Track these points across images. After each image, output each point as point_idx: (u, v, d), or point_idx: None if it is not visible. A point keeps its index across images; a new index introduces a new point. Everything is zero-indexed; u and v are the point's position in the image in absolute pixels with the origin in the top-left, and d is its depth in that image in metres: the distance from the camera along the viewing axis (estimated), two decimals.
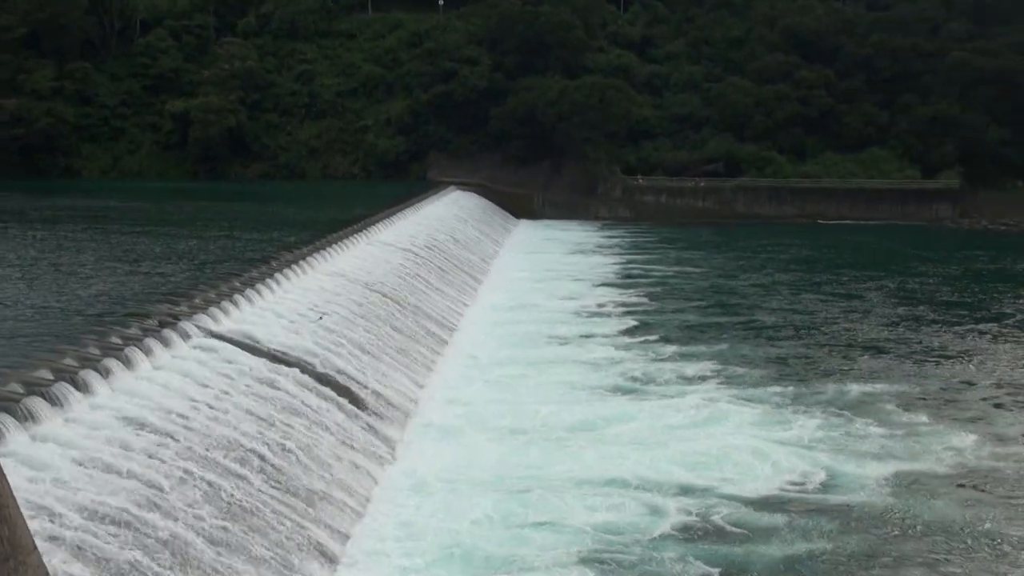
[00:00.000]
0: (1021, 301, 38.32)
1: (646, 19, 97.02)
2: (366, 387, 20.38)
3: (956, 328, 31.52)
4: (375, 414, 19.62)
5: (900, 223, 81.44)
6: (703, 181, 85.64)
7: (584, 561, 13.47)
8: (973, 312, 35.49)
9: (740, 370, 24.61)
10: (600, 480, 16.40)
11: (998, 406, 21.76)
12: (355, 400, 19.45)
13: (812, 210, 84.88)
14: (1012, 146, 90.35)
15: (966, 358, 26.85)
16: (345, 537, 14.42)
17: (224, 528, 12.49)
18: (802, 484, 16.38)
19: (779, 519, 14.82)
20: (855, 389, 22.79)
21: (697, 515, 15.04)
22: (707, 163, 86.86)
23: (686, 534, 14.42)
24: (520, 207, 75.83)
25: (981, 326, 31.95)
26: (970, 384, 24.00)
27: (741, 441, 18.28)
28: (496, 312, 33.88)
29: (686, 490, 15.94)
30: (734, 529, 14.58)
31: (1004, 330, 31.36)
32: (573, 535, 14.34)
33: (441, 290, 34.66)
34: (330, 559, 13.71)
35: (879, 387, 23.13)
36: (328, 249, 29.96)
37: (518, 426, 19.62)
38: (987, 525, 14.60)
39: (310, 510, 14.32)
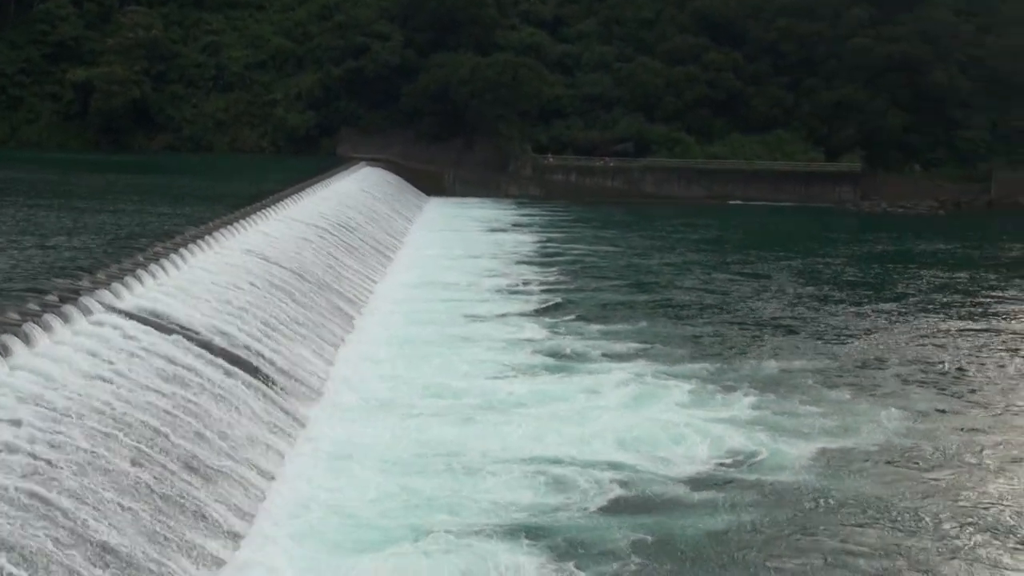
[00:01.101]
0: (920, 281, 39.42)
1: None
2: (274, 364, 20.03)
3: (863, 307, 32.27)
4: (283, 391, 19.30)
5: (804, 204, 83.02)
6: (612, 161, 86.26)
7: (501, 535, 13.35)
8: (877, 291, 36.37)
9: (662, 348, 24.81)
10: (521, 458, 16.28)
11: (910, 382, 22.28)
12: (262, 377, 19.09)
13: (720, 191, 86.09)
14: (912, 131, 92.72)
15: (875, 335, 27.48)
16: (250, 516, 14.15)
17: (124, 507, 12.13)
18: (731, 460, 16.54)
19: (709, 495, 14.96)
20: (774, 366, 23.16)
21: (625, 491, 15.03)
22: (617, 143, 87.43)
23: (614, 509, 14.39)
24: (431, 184, 75.43)
25: (885, 305, 32.76)
26: (882, 360, 24.55)
27: (667, 417, 18.42)
28: (408, 289, 33.60)
29: (613, 466, 15.91)
30: (663, 505, 14.63)
31: (906, 309, 32.20)
32: (486, 513, 14.24)
33: (351, 267, 34.26)
34: (233, 537, 13.44)
35: (797, 364, 23.55)
36: (236, 224, 29.35)
37: (431, 404, 19.44)
38: (906, 502, 14.92)
39: (214, 489, 14.01)
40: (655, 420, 18.12)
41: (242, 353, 19.50)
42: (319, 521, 14.03)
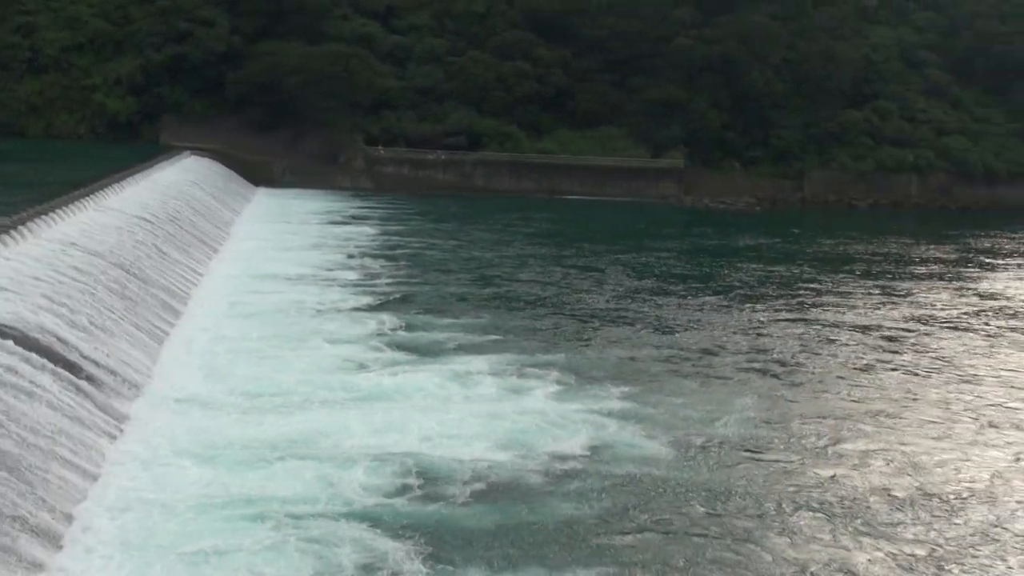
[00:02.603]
0: (745, 274, 40.84)
1: None
2: (93, 360, 19.06)
3: (695, 299, 33.15)
4: (103, 388, 18.37)
5: (631, 199, 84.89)
6: (445, 154, 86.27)
7: (349, 524, 13.01)
8: (707, 284, 37.46)
9: (510, 340, 24.79)
10: (361, 451, 15.84)
11: (749, 370, 22.88)
12: (80, 374, 18.13)
13: (549, 185, 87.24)
14: (732, 129, 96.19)
15: (709, 326, 28.21)
16: (69, 517, 13.41)
17: None
18: (586, 449, 16.55)
19: (563, 484, 14.90)
20: (620, 356, 23.48)
21: (479, 482, 14.86)
22: (449, 136, 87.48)
23: (466, 500, 14.22)
24: (259, 175, 73.66)
25: (715, 297, 33.75)
26: (720, 349, 25.20)
27: (518, 408, 18.36)
28: (237, 281, 32.56)
29: (459, 460, 15.70)
30: (518, 494, 14.51)
31: (735, 300, 33.25)
32: (330, 502, 13.83)
33: (176, 259, 33.00)
34: (52, 539, 12.71)
35: (642, 354, 23.94)
36: (52, 214, 27.80)
37: (261, 397, 18.76)
38: (752, 486, 15.27)
39: (29, 489, 13.19)
40: (505, 412, 18.04)
41: (59, 348, 18.47)
42: (141, 518, 13.41)
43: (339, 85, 79.66)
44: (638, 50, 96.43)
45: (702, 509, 14.30)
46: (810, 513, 14.28)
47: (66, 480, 14.27)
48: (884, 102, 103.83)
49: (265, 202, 63.44)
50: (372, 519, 13.34)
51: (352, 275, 35.11)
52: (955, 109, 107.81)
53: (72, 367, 18.11)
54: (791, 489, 15.21)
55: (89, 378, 18.25)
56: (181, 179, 51.38)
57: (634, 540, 13.29)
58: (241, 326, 25.19)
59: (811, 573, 12.47)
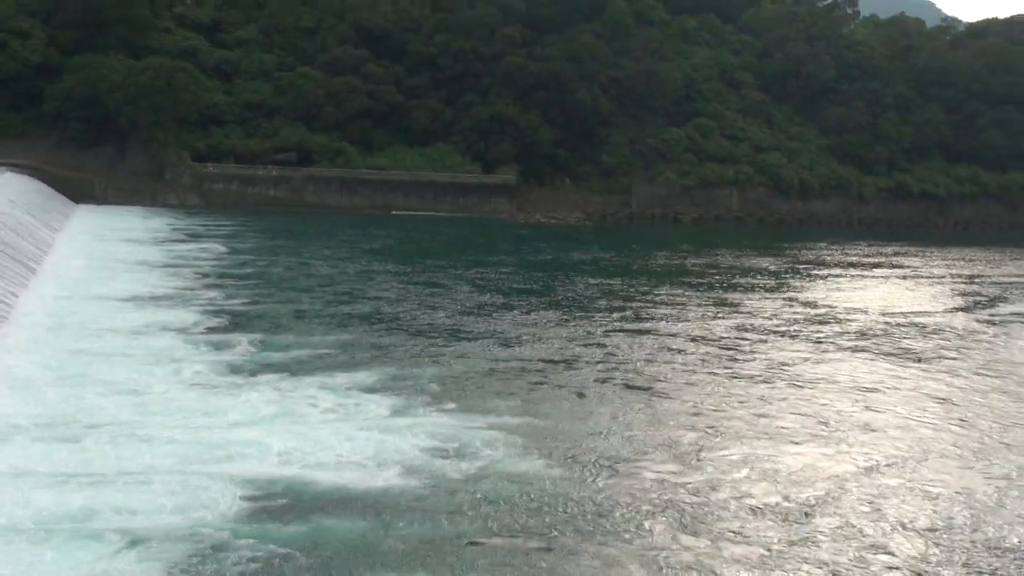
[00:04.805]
0: (581, 287, 41.68)
1: (215, 2, 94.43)
2: None
3: (537, 313, 33.55)
4: None
5: (465, 215, 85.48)
6: (275, 170, 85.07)
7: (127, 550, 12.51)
8: (546, 298, 38.00)
9: (352, 358, 24.40)
10: (168, 470, 15.21)
11: (602, 381, 23.21)
12: None
13: (382, 201, 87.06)
14: (562, 146, 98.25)
15: (555, 339, 28.52)
16: None
17: None
18: (419, 466, 16.40)
19: (385, 506, 14.72)
20: (463, 370, 23.41)
21: (284, 499, 14.52)
22: (279, 152, 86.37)
23: (261, 518, 13.87)
24: (81, 192, 70.90)
25: (554, 312, 34.23)
26: (571, 360, 25.50)
27: (352, 427, 18.06)
28: (54, 302, 30.90)
29: (271, 480, 15.29)
30: (321, 511, 14.25)
31: (575, 313, 33.82)
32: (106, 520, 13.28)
33: None
34: None
35: (489, 367, 23.97)
36: None
37: (73, 426, 17.54)
38: (598, 494, 15.48)
39: None
40: (340, 431, 17.73)
41: None
42: None
43: (163, 100, 77.50)
44: (470, 67, 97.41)
45: (560, 519, 14.46)
46: (665, 519, 14.65)
47: None
48: (705, 120, 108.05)
49: (88, 220, 60.99)
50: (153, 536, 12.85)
51: (186, 294, 34.04)
52: (770, 127, 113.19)
53: None
54: (651, 496, 15.58)
55: None
56: None
57: (484, 552, 13.33)
58: (56, 349, 23.76)
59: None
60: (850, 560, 13.38)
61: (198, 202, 79.00)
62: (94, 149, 76.89)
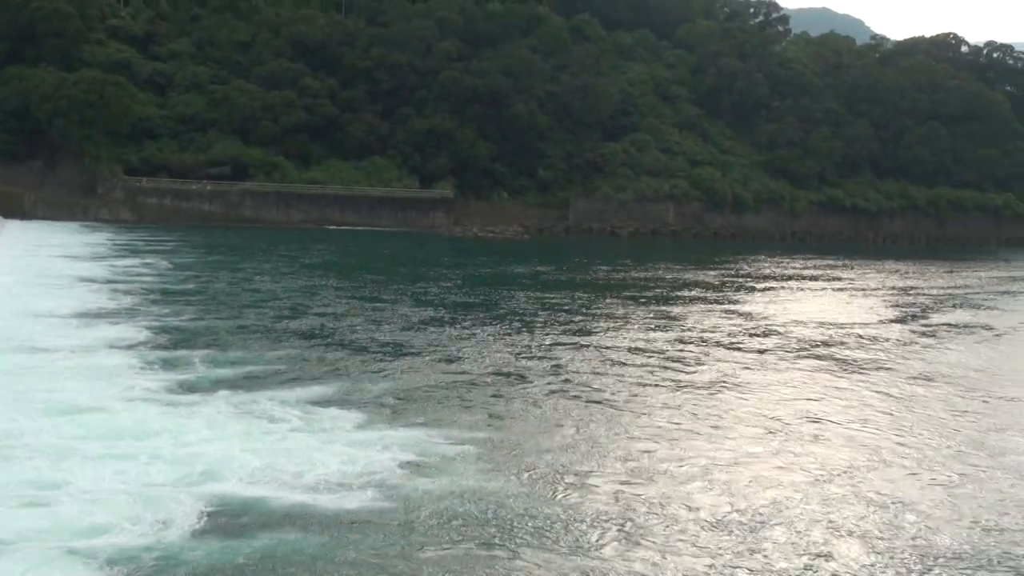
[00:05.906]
0: (522, 301, 41.83)
1: (148, 15, 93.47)
2: None
3: (481, 327, 33.55)
4: None
5: (402, 229, 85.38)
6: (210, 184, 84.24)
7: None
8: (489, 311, 38.06)
9: (300, 375, 24.14)
10: (114, 488, 14.95)
11: (552, 394, 23.26)
12: None
13: (319, 216, 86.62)
14: (499, 160, 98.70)
15: (501, 352, 28.55)
16: None
17: None
18: (375, 484, 16.30)
19: (351, 520, 14.63)
20: (411, 386, 23.25)
21: (236, 517, 14.35)
22: (213, 166, 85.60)
23: (212, 534, 13.72)
24: (10, 206, 69.51)
25: (498, 325, 34.29)
26: (519, 374, 25.52)
27: (302, 444, 17.89)
28: None
29: (235, 497, 15.12)
30: (270, 528, 14.12)
31: (516, 328, 33.92)
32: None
33: None
34: None
35: (437, 380, 23.87)
36: None
37: (19, 447, 17.12)
38: (554, 509, 15.54)
39: None
40: (307, 444, 17.63)
41: None
42: None
43: (95, 113, 76.40)
44: (406, 81, 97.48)
45: (511, 531, 14.52)
46: (616, 531, 14.77)
47: None
48: (641, 134, 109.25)
49: (16, 235, 59.76)
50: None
51: (114, 310, 33.41)
52: (705, 141, 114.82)
53: None
54: (606, 508, 15.70)
55: None
56: None
57: (436, 559, 13.34)
58: None
59: None
60: (798, 569, 13.63)
61: (131, 217, 77.82)
62: (24, 163, 75.39)
